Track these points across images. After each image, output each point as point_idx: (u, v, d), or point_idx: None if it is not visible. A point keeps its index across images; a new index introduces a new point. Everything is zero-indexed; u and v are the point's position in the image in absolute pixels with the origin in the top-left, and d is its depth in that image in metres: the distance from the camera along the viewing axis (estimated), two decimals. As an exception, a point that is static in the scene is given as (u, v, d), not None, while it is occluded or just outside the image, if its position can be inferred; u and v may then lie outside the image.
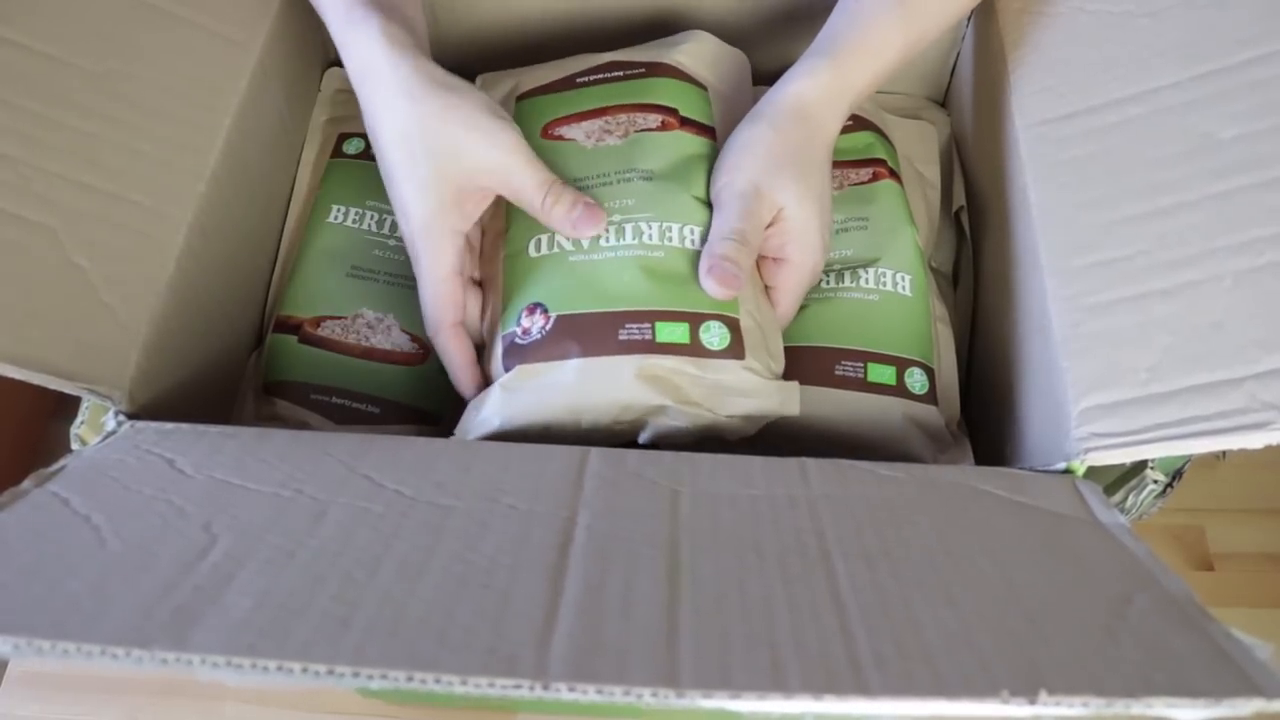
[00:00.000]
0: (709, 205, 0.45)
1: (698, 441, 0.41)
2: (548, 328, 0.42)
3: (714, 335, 0.41)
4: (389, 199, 0.44)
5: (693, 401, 0.41)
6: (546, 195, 0.42)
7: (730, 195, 0.43)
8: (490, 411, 0.42)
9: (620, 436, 0.42)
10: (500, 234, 0.46)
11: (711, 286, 0.41)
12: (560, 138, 0.48)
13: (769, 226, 0.44)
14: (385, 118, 0.42)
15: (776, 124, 0.44)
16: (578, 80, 0.51)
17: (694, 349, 0.41)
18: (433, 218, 0.42)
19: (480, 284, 0.47)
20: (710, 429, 0.41)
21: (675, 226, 0.44)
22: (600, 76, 0.51)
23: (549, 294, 0.43)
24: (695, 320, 0.41)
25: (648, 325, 0.41)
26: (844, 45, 0.45)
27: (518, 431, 0.41)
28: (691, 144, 0.47)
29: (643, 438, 0.42)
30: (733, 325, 0.42)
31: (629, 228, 0.44)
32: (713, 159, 0.46)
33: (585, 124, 0.48)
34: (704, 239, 0.43)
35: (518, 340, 0.42)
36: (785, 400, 0.42)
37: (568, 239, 0.44)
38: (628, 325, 0.41)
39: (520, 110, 0.50)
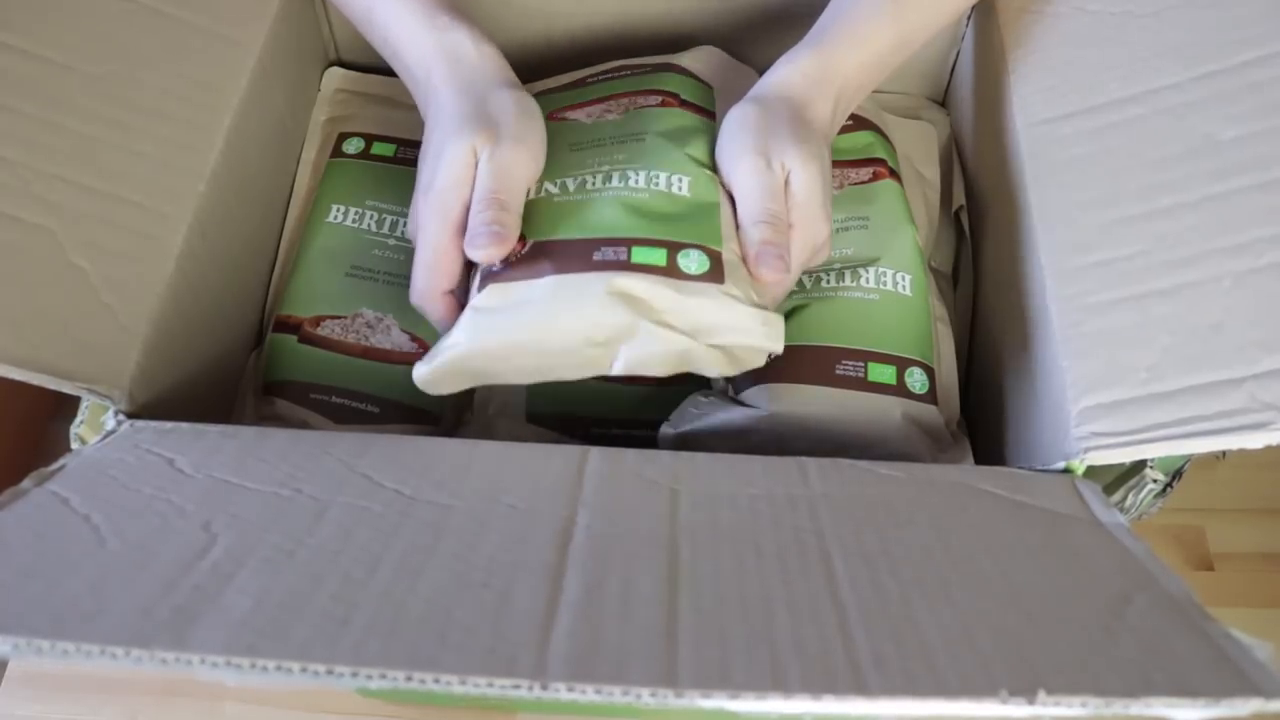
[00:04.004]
0: (705, 166, 0.45)
1: (675, 377, 0.40)
2: (523, 252, 0.41)
3: (692, 261, 0.40)
4: (418, 163, 0.45)
5: (666, 323, 0.39)
6: (483, 199, 0.42)
7: (743, 174, 0.43)
8: (459, 335, 0.40)
9: (591, 365, 0.40)
10: None
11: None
12: (564, 119, 0.50)
13: None
14: (454, 100, 0.44)
15: (765, 103, 0.44)
16: (588, 80, 0.53)
17: (670, 271, 0.40)
18: (456, 185, 0.42)
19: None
20: (686, 358, 0.40)
21: (663, 175, 0.44)
22: (609, 76, 0.53)
23: (529, 227, 0.42)
24: (674, 247, 0.41)
25: (624, 248, 0.40)
26: (829, 34, 0.46)
27: (485, 354, 0.40)
28: (690, 119, 0.48)
29: (615, 367, 0.40)
30: (713, 255, 0.41)
31: (616, 175, 0.44)
32: (711, 133, 0.46)
33: (588, 108, 0.51)
34: (693, 188, 0.43)
35: (494, 269, 0.41)
36: (769, 333, 0.40)
37: (555, 184, 0.45)
38: (603, 247, 0.41)
39: None
